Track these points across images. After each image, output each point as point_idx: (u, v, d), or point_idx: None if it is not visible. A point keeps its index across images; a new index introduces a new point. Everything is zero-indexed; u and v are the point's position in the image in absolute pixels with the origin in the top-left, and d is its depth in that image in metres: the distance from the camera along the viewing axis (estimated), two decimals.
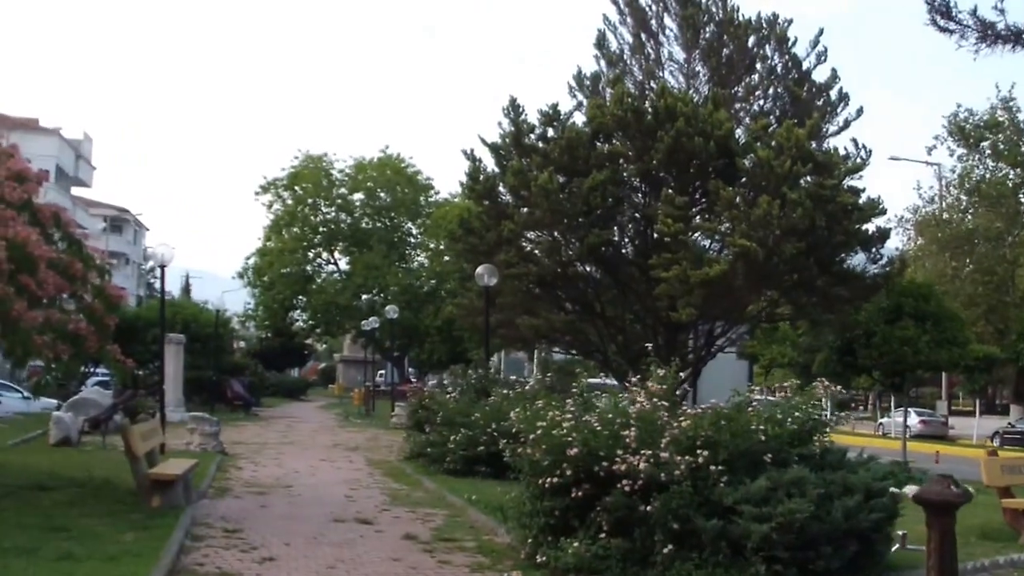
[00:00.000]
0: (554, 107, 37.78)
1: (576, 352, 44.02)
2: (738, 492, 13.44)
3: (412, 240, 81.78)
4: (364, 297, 76.93)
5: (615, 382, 33.66)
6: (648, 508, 13.43)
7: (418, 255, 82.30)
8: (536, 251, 37.44)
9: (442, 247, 72.69)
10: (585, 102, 38.91)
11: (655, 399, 14.70)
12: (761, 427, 14.31)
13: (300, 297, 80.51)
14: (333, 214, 79.68)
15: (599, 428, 14.23)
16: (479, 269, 33.03)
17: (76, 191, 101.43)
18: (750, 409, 14.95)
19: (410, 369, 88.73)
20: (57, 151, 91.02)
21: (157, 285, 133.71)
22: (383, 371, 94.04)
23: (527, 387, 26.28)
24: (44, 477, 21.32)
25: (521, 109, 38.09)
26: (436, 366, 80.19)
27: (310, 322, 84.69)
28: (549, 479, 14.28)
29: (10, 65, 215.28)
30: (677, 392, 15.52)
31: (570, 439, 14.18)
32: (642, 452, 13.67)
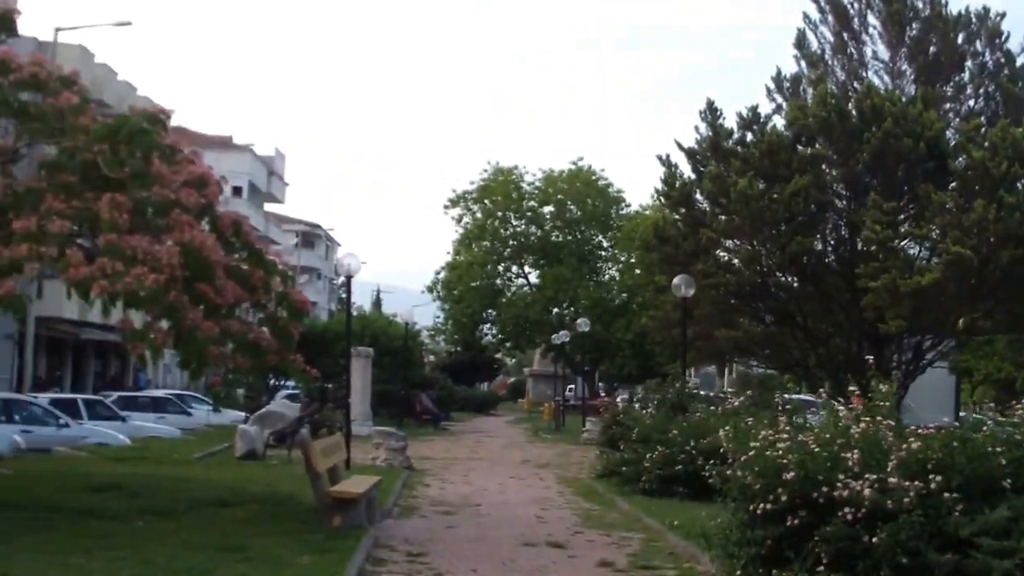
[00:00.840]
0: (753, 110, 36.41)
1: (775, 366, 42.43)
2: (975, 523, 11.94)
3: (602, 253, 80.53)
4: (554, 311, 76.01)
5: (813, 398, 31.96)
6: (873, 539, 12.02)
7: (609, 268, 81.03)
8: (734, 260, 36.15)
9: (632, 260, 71.38)
10: (785, 104, 37.53)
11: (877, 417, 13.28)
12: (999, 449, 12.74)
13: (489, 311, 79.89)
14: (523, 227, 78.86)
15: (817, 450, 12.85)
16: (676, 280, 31.67)
17: (269, 207, 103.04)
18: (984, 429, 13.39)
19: (599, 383, 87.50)
20: (250, 168, 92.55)
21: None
22: (572, 385, 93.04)
23: (730, 403, 24.81)
24: (226, 492, 20.85)
25: (719, 112, 36.81)
26: (626, 380, 78.67)
27: (499, 336, 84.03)
28: (761, 505, 12.96)
29: (205, 85, 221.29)
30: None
31: (785, 461, 12.84)
32: (866, 477, 12.30)
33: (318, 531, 16.72)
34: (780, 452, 13.03)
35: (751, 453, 13.33)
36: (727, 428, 15.08)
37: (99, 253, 16.28)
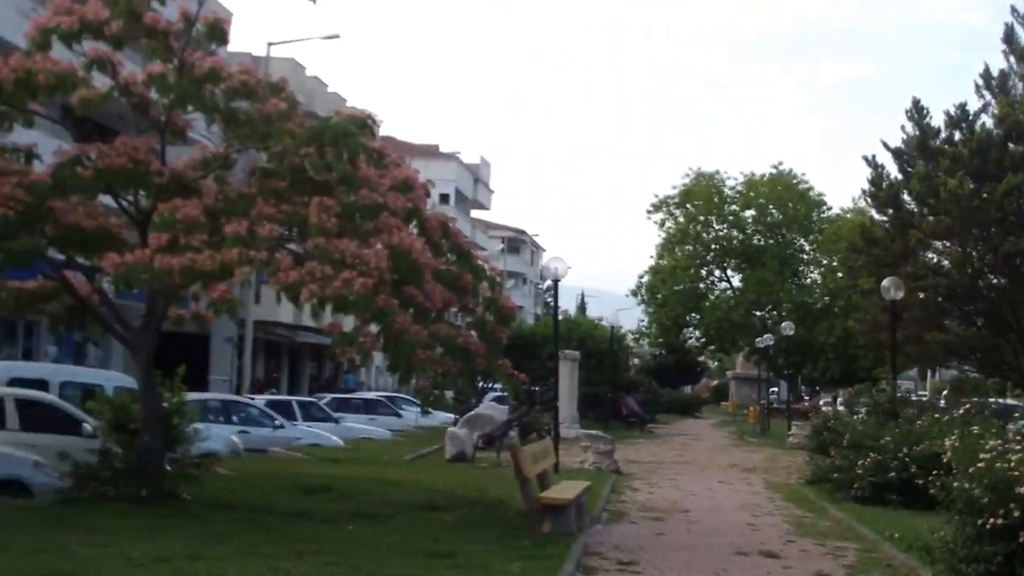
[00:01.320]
0: (962, 107, 34.96)
1: (986, 370, 40.66)
2: None
3: (804, 256, 78.81)
4: (757, 314, 74.69)
5: (1017, 402, 30.26)
6: None
7: (810, 271, 79.30)
8: (944, 262, 34.75)
9: (835, 263, 69.67)
10: (994, 102, 35.88)
11: None
12: None
13: (693, 314, 78.94)
14: (725, 231, 77.75)
15: None
16: (885, 282, 30.38)
17: (475, 214, 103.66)
18: None
19: (802, 387, 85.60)
20: (456, 175, 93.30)
21: (552, 302, 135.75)
22: (775, 388, 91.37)
23: (943, 408, 23.59)
24: (436, 495, 20.59)
25: (926, 111, 35.42)
26: (829, 384, 76.84)
27: (703, 339, 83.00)
28: (991, 519, 11.97)
29: (413, 96, 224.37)
30: None
31: (1017, 474, 11.84)
32: None
33: (527, 537, 16.26)
34: (1012, 464, 12.05)
35: (980, 465, 12.36)
36: (952, 437, 14.11)
37: (308, 257, 16.08)
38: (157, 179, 17.09)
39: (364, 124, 17.03)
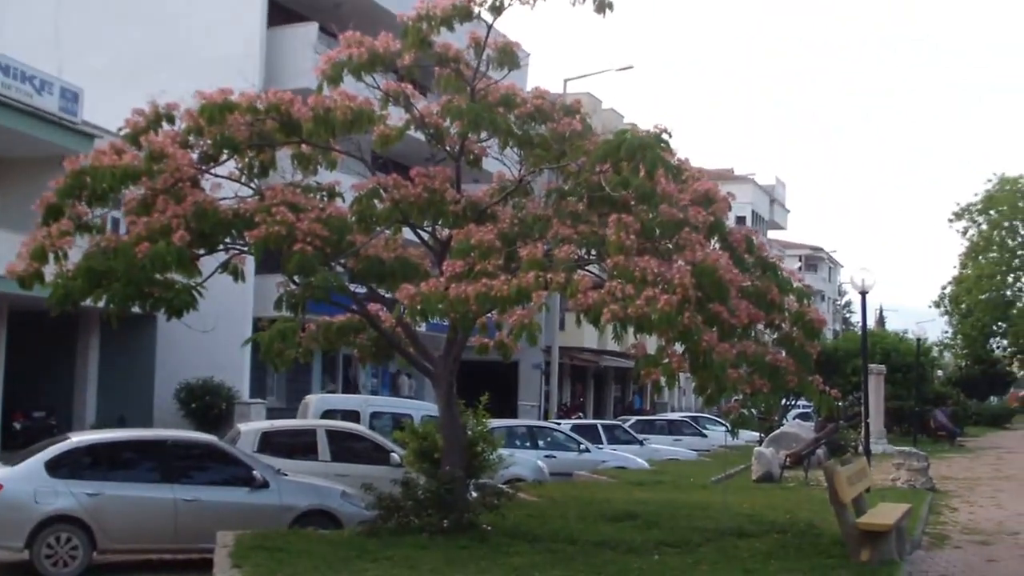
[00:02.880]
0: None
1: None
2: None
3: None
4: None
5: None
6: None
7: None
8: None
9: None
10: None
11: None
12: None
13: (1000, 323, 74.66)
14: None
15: None
16: None
17: (772, 234, 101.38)
18: None
19: None
20: (752, 197, 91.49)
21: (852, 319, 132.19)
22: None
23: None
24: (745, 520, 19.16)
25: None
26: None
27: (1011, 348, 78.42)
28: None
29: (705, 122, 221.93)
30: None
31: None
32: None
33: (845, 567, 14.75)
34: None
35: None
36: None
37: (607, 278, 15.02)
38: (453, 207, 16.48)
39: (659, 138, 15.91)
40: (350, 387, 43.45)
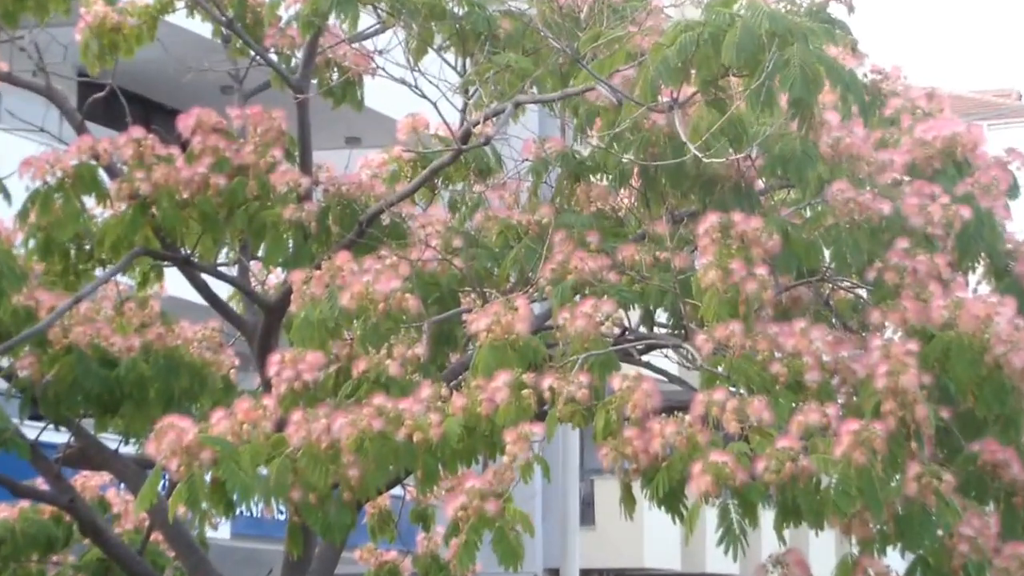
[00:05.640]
0: None
1: None
2: None
3: None
4: None
5: None
6: None
7: None
8: None
9: None
10: None
11: None
12: None
13: None
14: None
15: None
16: None
17: None
18: None
19: None
20: None
21: None
22: None
23: None
24: None
25: None
26: None
27: None
28: None
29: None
30: None
31: None
32: None
33: None
34: None
35: None
36: None
37: (699, 383, 6.66)
38: (291, 216, 7.44)
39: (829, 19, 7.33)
40: None
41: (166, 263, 7.70)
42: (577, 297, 6.48)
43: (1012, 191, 7.24)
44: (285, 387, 6.35)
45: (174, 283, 8.10)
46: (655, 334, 7.23)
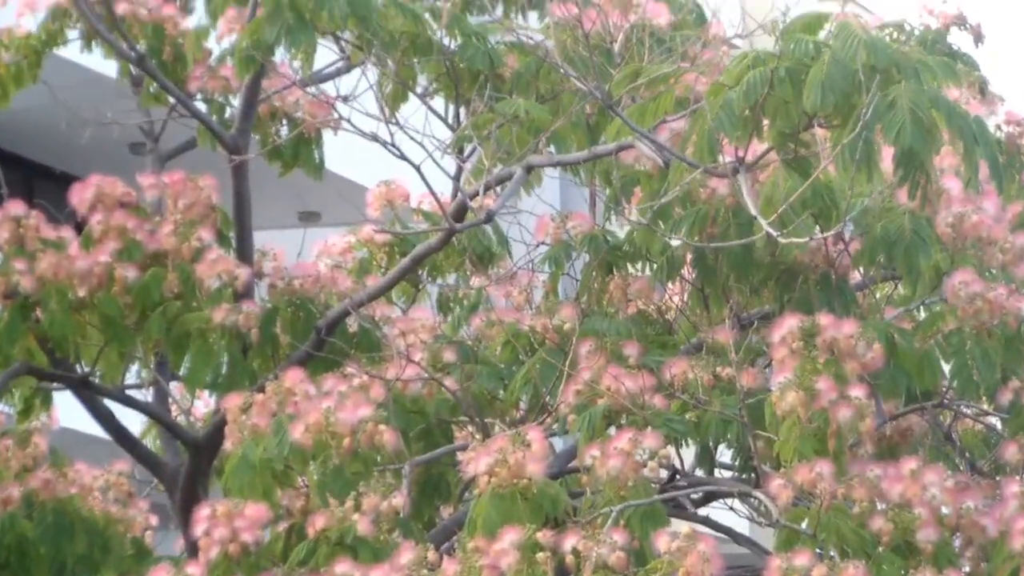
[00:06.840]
0: None
1: None
2: None
3: None
4: None
5: None
6: None
7: None
8: None
9: None
10: None
11: None
12: None
13: None
14: None
15: None
16: None
17: None
18: None
19: None
20: None
21: None
22: None
23: None
24: None
25: None
26: None
27: None
28: None
29: None
30: None
31: None
32: None
33: None
34: None
35: None
36: None
37: None
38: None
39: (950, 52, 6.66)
40: None
41: (56, 385, 6.48)
42: (611, 429, 5.62)
43: None
44: (217, 551, 5.35)
45: (67, 412, 6.82)
46: (715, 478, 6.35)
